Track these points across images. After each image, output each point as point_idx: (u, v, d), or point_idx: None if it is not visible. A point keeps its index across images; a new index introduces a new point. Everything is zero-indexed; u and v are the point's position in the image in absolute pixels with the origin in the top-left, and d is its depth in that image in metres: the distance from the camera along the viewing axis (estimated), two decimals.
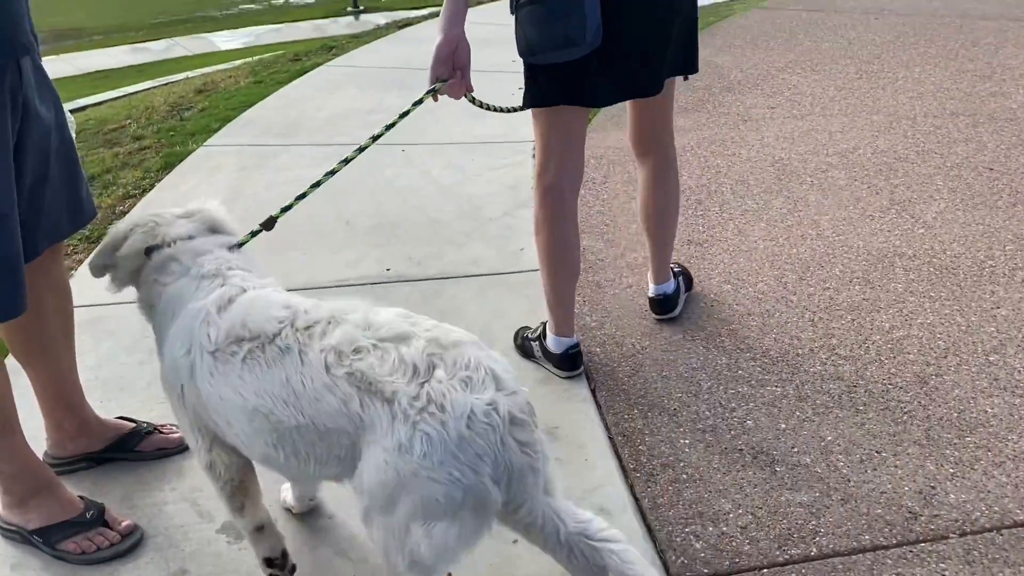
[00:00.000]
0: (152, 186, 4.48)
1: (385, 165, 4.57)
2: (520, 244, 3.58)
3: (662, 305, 2.89)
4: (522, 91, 2.26)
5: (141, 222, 1.89)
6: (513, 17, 2.13)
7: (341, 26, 16.02)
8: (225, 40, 15.62)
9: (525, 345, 2.75)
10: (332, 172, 1.99)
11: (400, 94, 5.95)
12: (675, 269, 2.99)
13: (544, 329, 2.67)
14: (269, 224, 1.95)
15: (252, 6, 21.94)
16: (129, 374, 2.81)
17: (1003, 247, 3.35)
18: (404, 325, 1.54)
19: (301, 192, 2.00)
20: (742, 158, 4.42)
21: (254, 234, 1.95)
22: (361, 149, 2.07)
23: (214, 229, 1.91)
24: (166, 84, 8.68)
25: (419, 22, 9.90)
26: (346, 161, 2.02)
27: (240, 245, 1.90)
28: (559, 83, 2.15)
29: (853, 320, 2.94)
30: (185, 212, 1.92)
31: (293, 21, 17.71)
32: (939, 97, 5.04)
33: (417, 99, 2.09)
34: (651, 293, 2.92)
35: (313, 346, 1.54)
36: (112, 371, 2.84)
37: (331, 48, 8.31)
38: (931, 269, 3.23)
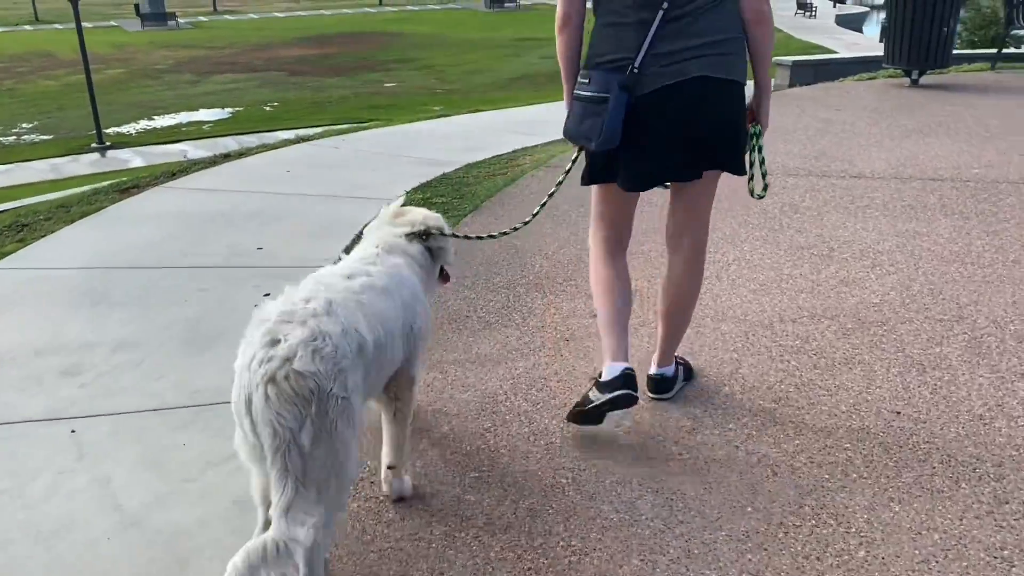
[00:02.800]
0: None
1: None
2: None
3: (658, 385, 2.87)
4: None
5: None
6: None
7: (83, 164, 15.84)
8: None
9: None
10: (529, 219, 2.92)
11: (93, 323, 3.61)
12: (679, 359, 2.97)
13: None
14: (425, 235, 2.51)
15: None
16: None
17: None
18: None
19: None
20: None
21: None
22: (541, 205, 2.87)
23: None
24: None
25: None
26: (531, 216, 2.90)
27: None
28: (593, 167, 2.61)
29: None
30: None
31: (25, 160, 17.13)
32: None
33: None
34: (651, 372, 2.88)
35: None
36: None
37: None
38: None
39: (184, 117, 23.66)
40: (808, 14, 43.99)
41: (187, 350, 3.33)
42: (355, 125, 9.91)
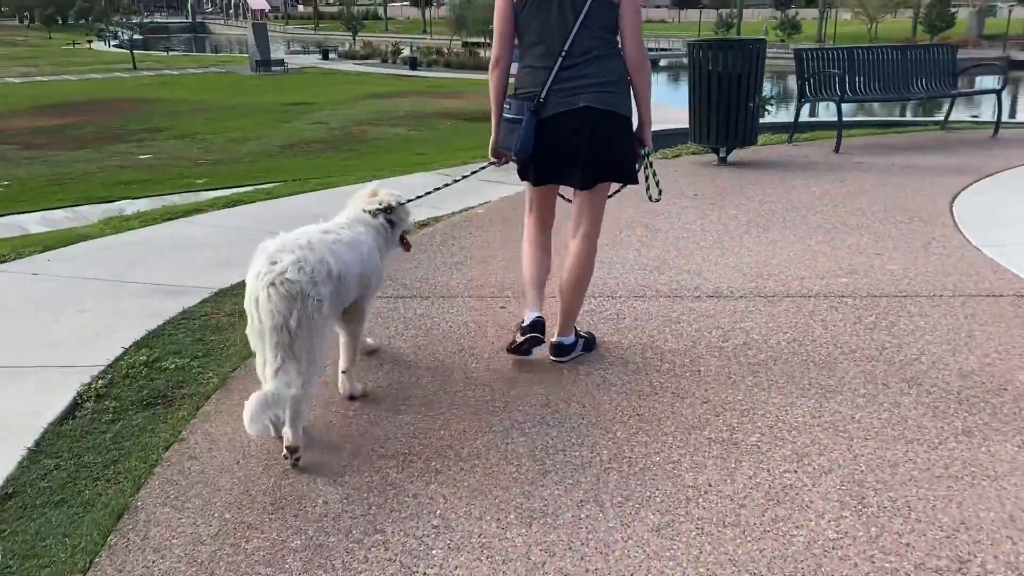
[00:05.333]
0: None
1: None
2: None
3: (557, 350, 3.58)
4: None
5: None
6: None
7: None
8: None
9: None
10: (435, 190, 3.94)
11: None
12: (582, 333, 3.69)
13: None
14: (388, 210, 3.42)
15: None
16: None
17: None
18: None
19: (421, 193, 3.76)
20: None
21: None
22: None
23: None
24: None
25: None
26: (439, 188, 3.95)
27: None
28: (521, 168, 3.48)
29: None
30: None
31: None
32: None
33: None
34: (552, 339, 3.58)
35: None
36: None
37: None
38: None
39: None
40: None
41: None
42: (76, 233, 7.88)
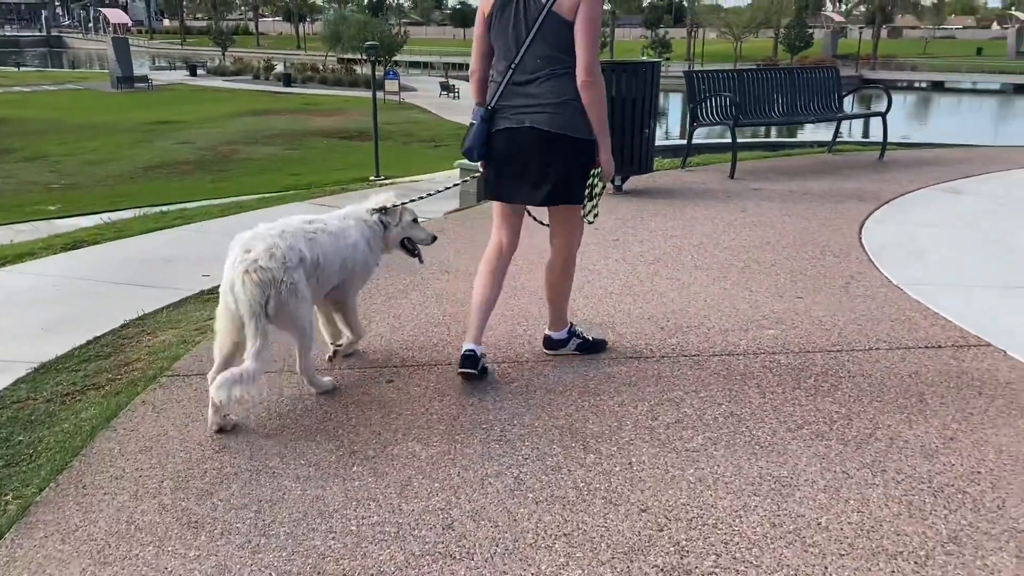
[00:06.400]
0: None
1: None
2: None
3: (547, 343, 3.81)
4: None
5: None
6: None
7: None
8: None
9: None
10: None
11: None
12: (583, 334, 3.84)
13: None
14: (383, 211, 3.67)
15: None
16: None
17: None
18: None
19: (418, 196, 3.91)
20: None
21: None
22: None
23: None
24: None
25: None
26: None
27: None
28: (484, 183, 3.57)
29: None
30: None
31: None
32: None
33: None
34: (545, 332, 3.83)
35: None
36: None
37: None
38: None
39: None
40: (452, 95, 45.09)
41: None
42: None
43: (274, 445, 3.04)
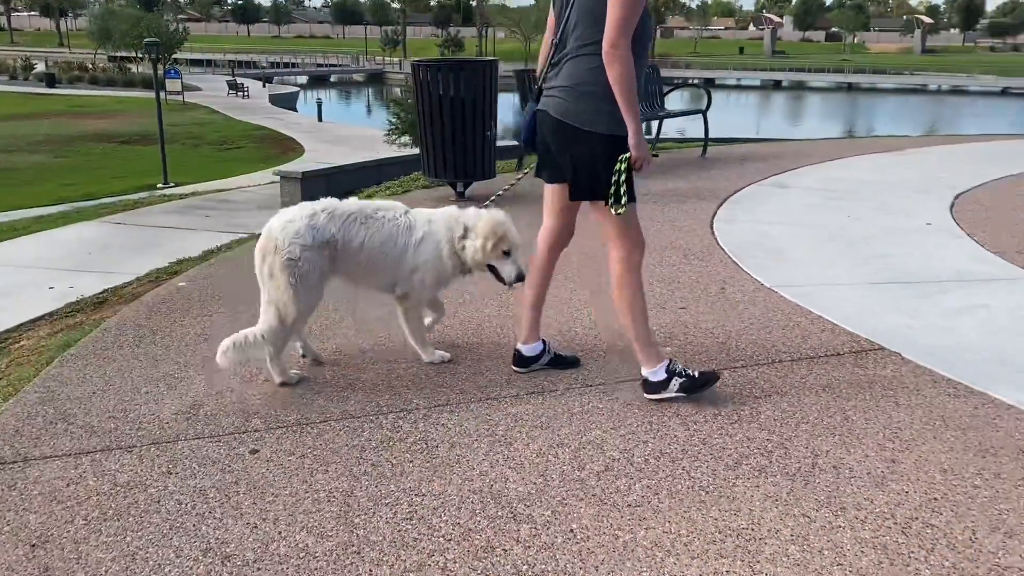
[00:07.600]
0: None
1: None
2: None
3: (645, 386, 3.29)
4: None
5: None
6: None
7: None
8: None
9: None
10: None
11: None
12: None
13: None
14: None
15: None
16: None
17: None
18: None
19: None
20: None
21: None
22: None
23: None
24: None
25: None
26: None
27: None
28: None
29: None
30: None
31: None
32: None
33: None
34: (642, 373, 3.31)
35: None
36: None
37: None
38: None
39: None
40: (241, 94, 42.68)
41: None
42: None
43: (113, 557, 2.33)
